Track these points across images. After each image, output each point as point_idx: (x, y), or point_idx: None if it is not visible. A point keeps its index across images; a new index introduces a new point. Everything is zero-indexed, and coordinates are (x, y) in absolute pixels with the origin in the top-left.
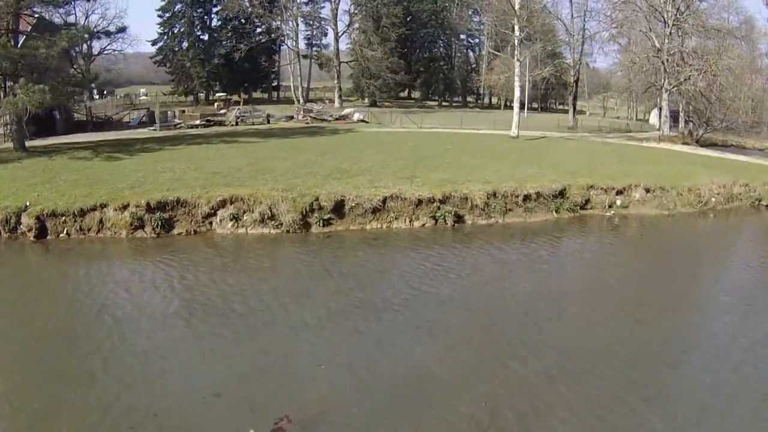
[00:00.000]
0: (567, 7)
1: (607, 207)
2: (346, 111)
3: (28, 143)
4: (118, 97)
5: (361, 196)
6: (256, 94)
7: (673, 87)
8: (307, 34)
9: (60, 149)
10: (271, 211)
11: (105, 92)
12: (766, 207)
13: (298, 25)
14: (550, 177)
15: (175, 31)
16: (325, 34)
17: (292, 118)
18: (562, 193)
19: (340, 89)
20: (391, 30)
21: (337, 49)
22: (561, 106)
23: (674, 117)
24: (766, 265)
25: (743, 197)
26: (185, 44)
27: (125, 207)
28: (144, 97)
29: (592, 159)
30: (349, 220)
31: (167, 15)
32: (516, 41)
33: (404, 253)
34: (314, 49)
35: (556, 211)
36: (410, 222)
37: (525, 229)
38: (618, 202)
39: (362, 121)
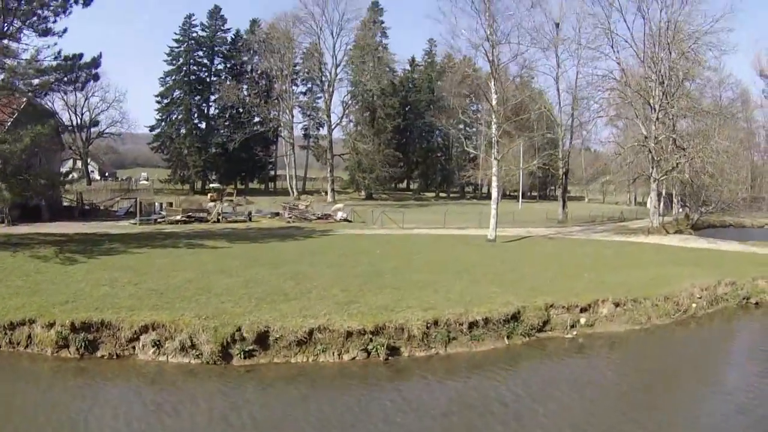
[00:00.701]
0: (555, 95)
1: (568, 328)
2: (335, 207)
3: (8, 230)
4: (120, 179)
5: (285, 327)
6: (253, 185)
7: (662, 177)
8: (305, 125)
9: (29, 243)
10: (191, 340)
11: (107, 174)
12: (755, 305)
13: (293, 116)
14: (506, 297)
15: (173, 118)
16: (322, 125)
17: (277, 214)
18: (515, 317)
19: (332, 182)
20: (386, 121)
21: (330, 141)
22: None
23: (670, 200)
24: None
25: (729, 297)
26: (183, 131)
27: (51, 325)
28: (144, 182)
29: (563, 268)
30: (274, 352)
31: (165, 101)
32: (493, 139)
33: (318, 392)
34: (311, 140)
35: (507, 337)
36: (339, 355)
37: (468, 361)
38: (582, 321)
39: (345, 220)
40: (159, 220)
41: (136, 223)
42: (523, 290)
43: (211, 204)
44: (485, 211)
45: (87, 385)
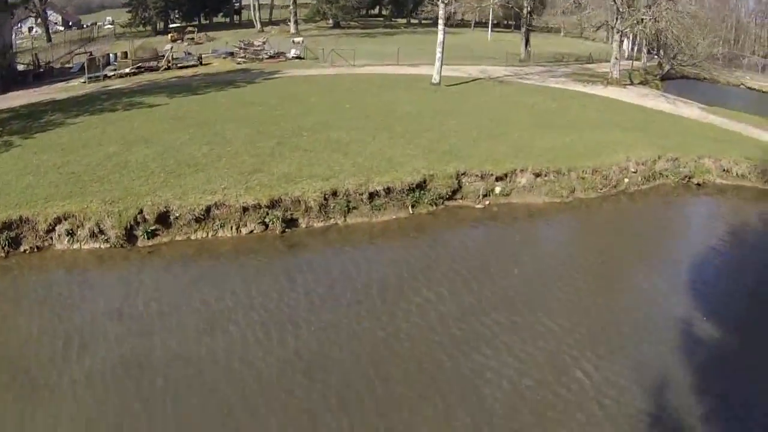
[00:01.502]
0: None
1: (481, 197)
2: (294, 41)
3: None
4: (85, 26)
5: (184, 205)
6: (218, 19)
7: (626, 28)
8: None
9: None
10: (98, 226)
11: (71, 23)
12: (697, 186)
13: None
14: (417, 163)
15: None
16: None
17: (232, 54)
18: (421, 185)
19: (295, 13)
20: None
21: None
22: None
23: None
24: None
25: (670, 174)
26: None
27: None
28: (109, 26)
29: (494, 124)
30: (175, 231)
31: None
32: None
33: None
34: None
35: (412, 207)
36: (237, 229)
37: (368, 231)
38: (497, 190)
39: (297, 57)
40: (109, 74)
41: (85, 82)
42: (438, 153)
43: (168, 47)
44: (450, 42)
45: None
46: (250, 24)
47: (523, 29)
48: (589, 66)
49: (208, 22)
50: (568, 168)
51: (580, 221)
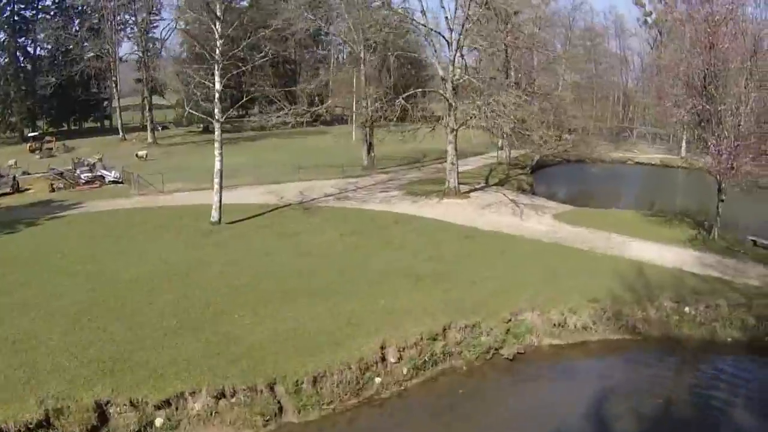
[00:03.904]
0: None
1: None
2: (138, 154)
3: None
4: None
5: None
6: (89, 124)
7: (459, 126)
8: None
9: None
10: None
11: None
12: (509, 360)
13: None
14: (52, 387)
15: None
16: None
17: (62, 174)
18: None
19: (151, 120)
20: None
21: (144, 65)
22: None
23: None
24: None
25: (464, 349)
26: (8, 74)
27: None
28: None
29: (223, 298)
30: None
31: None
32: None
33: None
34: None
35: None
36: None
37: None
38: (158, 423)
39: (116, 182)
40: None
41: None
42: (97, 365)
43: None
44: (307, 145)
45: None
46: (127, 129)
47: (366, 131)
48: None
49: (77, 127)
50: (270, 381)
51: None
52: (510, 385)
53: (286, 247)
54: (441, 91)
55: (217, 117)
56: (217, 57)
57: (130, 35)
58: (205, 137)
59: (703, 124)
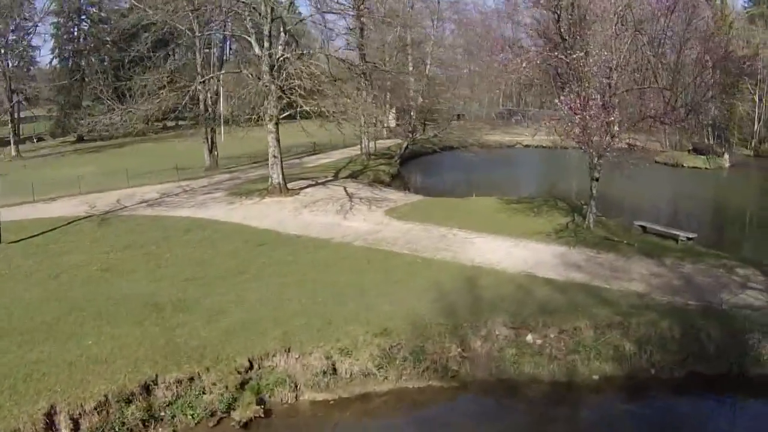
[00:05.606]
0: None
1: None
2: None
3: None
4: None
5: None
6: None
7: (282, 116)
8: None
9: None
10: None
11: None
12: (240, 426)
13: None
14: None
15: None
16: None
17: None
18: None
19: (15, 133)
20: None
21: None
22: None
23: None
24: None
25: (181, 411)
26: None
27: None
28: None
29: None
30: None
31: None
32: None
33: None
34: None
35: None
36: None
37: None
38: None
39: None
40: None
41: None
42: None
43: None
44: (180, 148)
45: None
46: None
47: (206, 130)
48: (310, 159)
49: None
50: None
51: None
52: None
53: (38, 270)
54: (246, 71)
55: None
56: None
57: None
58: (75, 147)
59: (560, 83)
